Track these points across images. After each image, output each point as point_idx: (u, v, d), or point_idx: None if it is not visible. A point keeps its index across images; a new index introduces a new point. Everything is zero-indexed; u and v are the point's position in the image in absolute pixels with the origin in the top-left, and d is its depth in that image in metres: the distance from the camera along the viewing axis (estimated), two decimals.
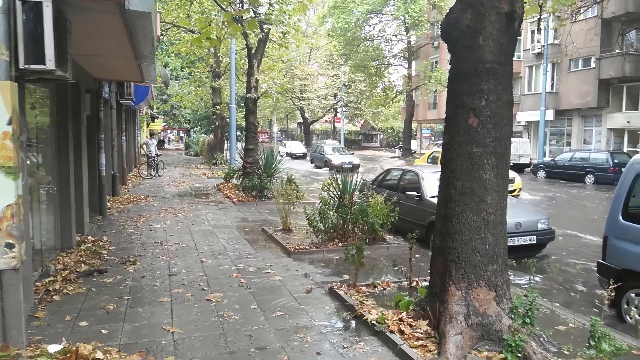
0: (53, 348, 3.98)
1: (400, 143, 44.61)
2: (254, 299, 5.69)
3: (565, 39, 28.86)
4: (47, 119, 6.92)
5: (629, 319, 5.33)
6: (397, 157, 41.08)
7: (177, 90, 32.35)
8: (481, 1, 4.38)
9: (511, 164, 15.30)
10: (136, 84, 14.53)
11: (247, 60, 15.16)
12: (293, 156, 38.69)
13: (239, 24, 12.65)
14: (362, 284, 6.01)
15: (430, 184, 8.65)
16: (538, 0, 7.42)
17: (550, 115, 29.90)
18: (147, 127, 32.30)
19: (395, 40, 41.88)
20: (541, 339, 4.31)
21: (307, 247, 7.98)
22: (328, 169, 26.91)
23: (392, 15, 39.79)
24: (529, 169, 26.65)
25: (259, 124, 16.92)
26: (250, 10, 14.08)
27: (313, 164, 30.83)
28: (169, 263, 7.20)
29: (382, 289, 5.96)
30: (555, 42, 29.87)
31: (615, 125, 27.73)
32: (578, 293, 6.65)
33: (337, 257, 7.48)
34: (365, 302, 5.30)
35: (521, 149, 27.61)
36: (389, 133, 59.26)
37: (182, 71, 33.45)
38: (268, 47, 16.93)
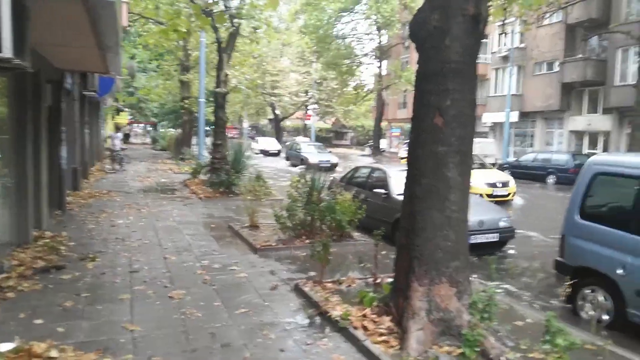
0: (4, 347, 3.83)
1: (371, 141, 44.93)
2: (218, 296, 5.62)
3: (531, 43, 29.82)
4: (4, 109, 6.65)
5: (583, 314, 5.52)
6: (367, 155, 41.37)
7: (144, 83, 31.60)
8: (448, 3, 4.45)
9: (479, 164, 15.70)
10: (101, 76, 14.13)
11: (217, 54, 14.93)
12: (266, 153, 38.07)
13: (209, 17, 12.48)
14: (328, 280, 6.02)
15: (397, 182, 8.75)
16: (504, 3, 7.59)
17: (515, 117, 30.71)
18: (113, 120, 31.49)
19: (366, 39, 42.17)
20: (499, 333, 4.42)
21: (274, 244, 7.94)
22: (305, 167, 26.46)
23: (364, 14, 39.99)
24: (495, 168, 27.28)
25: (228, 119, 16.74)
26: (220, 3, 13.91)
27: (289, 162, 29.57)
28: (131, 260, 7.03)
29: (347, 285, 5.99)
30: (521, 45, 30.67)
31: (576, 128, 28.70)
32: (536, 289, 6.84)
33: (304, 254, 7.47)
34: (330, 298, 5.32)
35: (486, 149, 28.24)
36: (359, 131, 59.61)
37: (150, 64, 32.71)
38: (239, 42, 16.73)
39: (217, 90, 14.80)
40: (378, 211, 9.11)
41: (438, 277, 4.41)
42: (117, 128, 23.32)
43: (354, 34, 41.97)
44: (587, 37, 26.56)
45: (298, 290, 5.82)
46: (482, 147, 28.30)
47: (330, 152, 31.39)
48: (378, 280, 6.00)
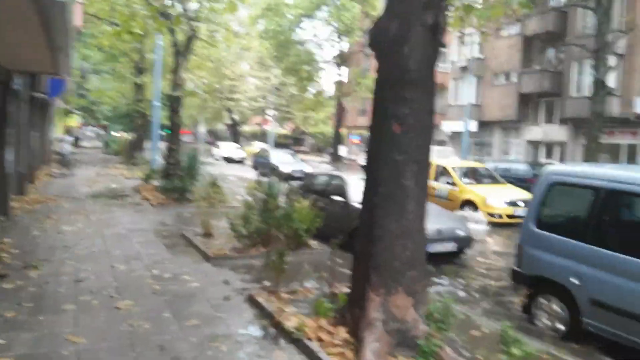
0: None
1: (330, 148, 45.05)
2: (169, 307, 5.37)
3: (490, 54, 30.83)
4: None
5: (539, 323, 5.55)
6: (326, 162, 41.41)
7: (96, 85, 30.46)
8: (407, 12, 4.43)
9: (489, 178, 15.69)
10: (51, 77, 13.48)
11: (173, 57, 14.55)
12: (229, 160, 36.65)
13: (166, 20, 12.14)
14: (284, 290, 5.86)
15: (356, 190, 8.70)
16: (461, 14, 7.69)
17: (474, 126, 31.51)
18: (63, 122, 30.17)
19: (327, 45, 42.38)
20: (455, 344, 4.40)
21: (228, 253, 7.70)
22: (276, 177, 20.26)
23: (325, 20, 40.19)
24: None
25: (184, 123, 16.31)
26: (176, 6, 13.58)
27: (257, 171, 25.72)
28: (77, 268, 6.65)
29: (303, 295, 5.85)
30: (481, 56, 31.58)
31: (532, 138, 29.66)
32: (493, 299, 6.89)
33: (260, 263, 7.25)
34: (285, 309, 5.16)
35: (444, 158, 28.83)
36: (319, 138, 59.70)
37: (104, 66, 31.60)
38: (197, 45, 16.38)
39: (173, 93, 14.41)
40: (336, 219, 9.01)
41: (395, 286, 4.35)
42: (67, 131, 22.29)
43: (314, 40, 42.05)
44: (544, 49, 27.63)
45: (252, 300, 5.63)
46: (440, 156, 28.92)
47: (303, 160, 28.25)
48: (335, 290, 5.90)
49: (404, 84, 4.44)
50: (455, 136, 34.48)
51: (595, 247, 5.04)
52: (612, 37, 18.76)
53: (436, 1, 4.47)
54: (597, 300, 4.93)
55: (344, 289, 5.82)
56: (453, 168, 14.20)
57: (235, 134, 53.54)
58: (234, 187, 17.16)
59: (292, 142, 61.25)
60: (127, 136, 34.01)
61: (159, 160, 17.16)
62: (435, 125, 38.85)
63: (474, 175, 14.52)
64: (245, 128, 63.42)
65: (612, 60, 21.07)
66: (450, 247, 8.31)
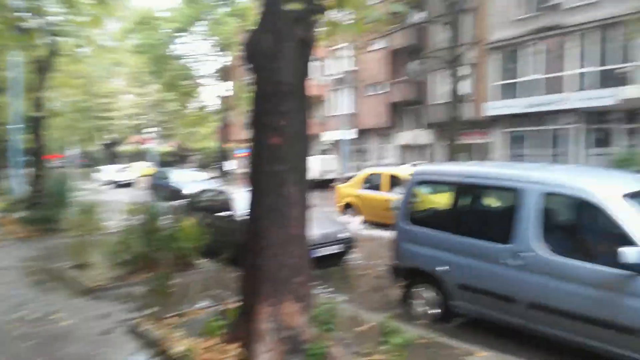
0: None
1: (219, 164, 44.13)
2: (38, 352, 4.82)
3: (363, 67, 32.68)
4: None
5: (416, 311, 5.98)
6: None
7: None
8: (278, 27, 4.56)
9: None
10: None
11: (35, 74, 13.24)
12: (116, 184, 33.96)
13: (23, 34, 11.03)
14: (171, 315, 5.60)
15: (241, 203, 8.63)
16: (329, 30, 8.04)
17: (352, 134, 33.09)
18: None
19: (208, 60, 41.55)
20: (344, 341, 4.55)
21: (106, 283, 7.13)
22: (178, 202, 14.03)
23: (203, 35, 39.45)
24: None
25: (50, 147, 14.90)
26: (34, 19, 12.42)
27: (155, 195, 20.58)
28: None
29: (194, 317, 5.63)
30: (355, 68, 33.38)
31: (404, 142, 31.96)
32: (377, 293, 7.26)
33: (143, 290, 6.86)
34: (172, 334, 4.92)
35: (328, 165, 29.83)
36: (206, 153, 58.27)
37: None
38: (61, 61, 15.08)
39: (35, 114, 13.11)
40: (225, 234, 8.84)
41: (283, 294, 4.39)
42: None
43: (192, 55, 41.01)
44: (409, 61, 29.95)
45: (135, 331, 5.29)
46: (324, 163, 29.87)
47: (211, 178, 24.39)
48: (227, 307, 5.78)
49: (279, 96, 4.56)
50: (337, 144, 35.93)
51: (456, 236, 5.61)
52: (464, 49, 21.02)
53: (306, 17, 4.66)
54: (462, 283, 5.48)
55: (236, 304, 5.75)
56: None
57: (112, 155, 50.17)
58: (116, 212, 15.92)
59: (178, 160, 59.00)
60: None
61: (22, 189, 15.43)
62: (313, 134, 39.85)
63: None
64: (124, 147, 59.70)
65: (465, 70, 23.60)
66: (335, 249, 8.61)
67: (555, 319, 4.68)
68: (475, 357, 4.55)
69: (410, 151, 31.63)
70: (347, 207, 14.01)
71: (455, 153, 19.52)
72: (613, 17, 20.17)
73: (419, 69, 29.71)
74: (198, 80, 41.76)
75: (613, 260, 4.20)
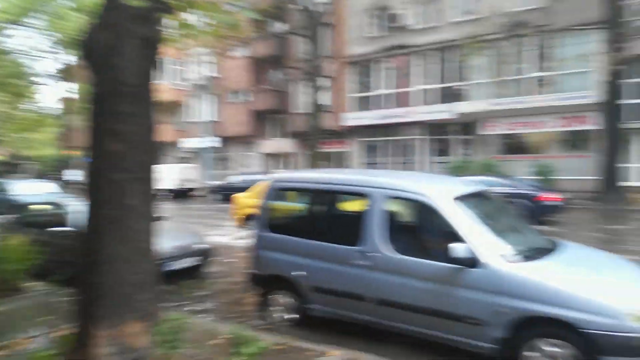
0: None
1: (58, 173, 39.67)
2: None
3: (225, 73, 32.24)
4: None
5: (274, 317, 5.98)
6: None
7: None
8: (118, 23, 4.19)
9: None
10: None
11: None
12: None
13: None
14: None
15: (76, 216, 7.77)
16: (184, 32, 7.72)
17: (215, 142, 32.39)
18: None
19: (46, 57, 37.09)
20: (193, 357, 4.33)
21: None
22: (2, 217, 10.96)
23: (41, 29, 35.26)
24: (204, 193, 27.90)
25: None
26: None
27: None
28: None
29: (20, 348, 4.90)
30: (217, 75, 32.74)
31: (267, 151, 32.21)
32: (235, 303, 7.09)
33: None
34: None
35: (188, 174, 28.69)
36: (43, 162, 51.92)
37: None
38: None
39: None
40: (59, 252, 7.82)
41: (125, 314, 4.02)
42: None
43: (25, 51, 36.23)
44: (271, 70, 30.32)
45: None
46: (183, 172, 28.58)
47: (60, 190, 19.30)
48: (60, 333, 5.14)
49: (120, 98, 4.18)
50: (200, 152, 34.92)
51: (311, 241, 5.75)
52: (322, 62, 22.03)
53: (147, 14, 4.34)
54: (317, 286, 5.63)
55: (70, 329, 5.14)
56: None
57: None
58: None
59: (9, 169, 51.68)
60: None
61: None
62: (171, 142, 38.28)
63: None
64: None
65: (325, 82, 24.74)
66: (190, 262, 8.21)
67: (401, 313, 5.03)
68: (327, 357, 4.67)
69: (274, 159, 32.00)
70: (249, 219, 12.49)
71: (316, 161, 20.31)
72: (451, 41, 22.85)
73: (281, 78, 30.32)
74: (34, 79, 36.98)
75: (446, 256, 4.65)
